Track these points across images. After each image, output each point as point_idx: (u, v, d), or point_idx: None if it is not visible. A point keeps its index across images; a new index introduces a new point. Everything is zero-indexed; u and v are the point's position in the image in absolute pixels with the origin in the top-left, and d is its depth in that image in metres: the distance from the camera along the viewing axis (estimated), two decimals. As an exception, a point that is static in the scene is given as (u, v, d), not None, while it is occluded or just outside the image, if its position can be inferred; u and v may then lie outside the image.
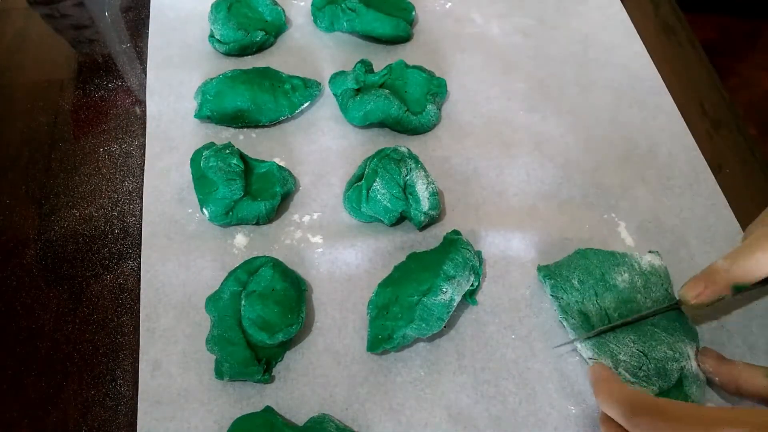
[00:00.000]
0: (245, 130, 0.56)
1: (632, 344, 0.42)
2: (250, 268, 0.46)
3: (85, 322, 0.47)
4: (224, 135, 0.56)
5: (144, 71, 0.61)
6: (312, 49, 0.62)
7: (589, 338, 0.43)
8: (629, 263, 0.46)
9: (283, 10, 0.63)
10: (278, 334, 0.42)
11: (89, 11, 0.68)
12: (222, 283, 0.45)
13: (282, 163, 0.54)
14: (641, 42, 0.63)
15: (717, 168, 0.54)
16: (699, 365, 0.42)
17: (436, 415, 0.42)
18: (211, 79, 0.56)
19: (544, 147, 0.55)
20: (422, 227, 0.50)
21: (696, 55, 0.63)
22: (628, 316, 0.44)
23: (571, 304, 0.45)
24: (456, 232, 0.48)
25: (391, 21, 0.60)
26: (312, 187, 0.53)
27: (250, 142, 0.55)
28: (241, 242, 0.50)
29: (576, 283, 0.46)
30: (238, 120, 0.55)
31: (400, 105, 0.54)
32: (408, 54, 0.62)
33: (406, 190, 0.48)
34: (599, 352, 0.43)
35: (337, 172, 0.54)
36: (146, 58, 0.61)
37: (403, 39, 0.62)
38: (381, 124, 0.55)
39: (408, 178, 0.49)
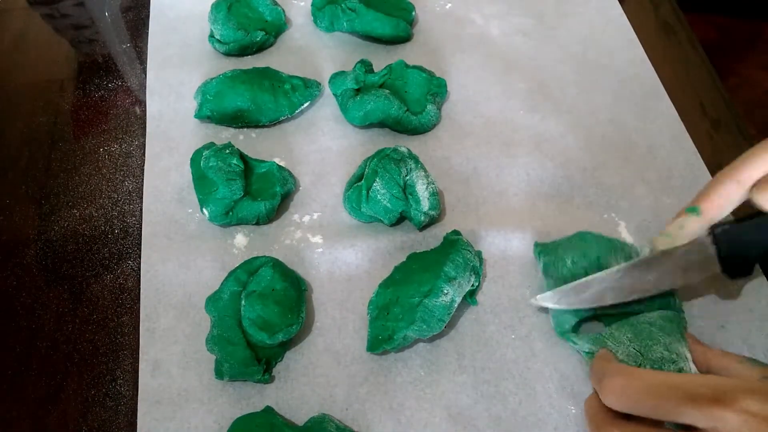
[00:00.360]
0: (245, 130, 0.56)
1: (629, 343, 0.42)
2: (250, 268, 0.46)
3: (85, 322, 0.47)
4: (224, 135, 0.56)
5: (144, 71, 0.61)
6: (312, 49, 0.62)
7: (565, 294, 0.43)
8: (627, 252, 0.46)
9: (283, 10, 0.63)
10: (278, 334, 0.42)
11: (89, 11, 0.68)
12: (222, 283, 0.45)
13: (282, 163, 0.54)
14: (641, 42, 0.63)
15: (717, 168, 0.54)
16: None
17: (436, 415, 0.42)
18: (211, 79, 0.56)
19: (544, 147, 0.55)
20: (422, 227, 0.50)
21: (696, 55, 0.63)
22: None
23: (559, 283, 0.45)
24: (456, 233, 0.48)
25: (391, 21, 0.60)
26: (312, 187, 0.53)
27: (250, 142, 0.55)
28: (241, 242, 0.50)
29: (569, 263, 0.45)
30: (238, 120, 0.55)
31: (400, 105, 0.54)
32: (408, 54, 0.62)
33: (406, 190, 0.48)
34: (596, 348, 0.42)
35: (337, 172, 0.54)
36: (146, 58, 0.61)
37: (403, 39, 0.62)
38: (381, 124, 0.55)
39: (408, 178, 0.49)
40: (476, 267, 0.46)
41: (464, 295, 0.45)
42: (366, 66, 0.56)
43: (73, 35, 0.66)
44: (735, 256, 0.40)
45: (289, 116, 0.56)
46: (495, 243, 0.49)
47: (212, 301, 0.45)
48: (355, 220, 0.51)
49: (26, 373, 0.45)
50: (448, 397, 0.43)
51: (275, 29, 0.62)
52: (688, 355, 0.42)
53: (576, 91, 0.59)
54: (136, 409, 0.42)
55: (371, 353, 0.44)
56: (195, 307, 0.46)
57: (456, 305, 0.44)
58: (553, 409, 0.42)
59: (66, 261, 0.50)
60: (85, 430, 0.42)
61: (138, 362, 0.44)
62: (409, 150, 0.50)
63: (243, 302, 0.44)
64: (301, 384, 0.43)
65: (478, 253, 0.48)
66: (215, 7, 0.60)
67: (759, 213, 0.39)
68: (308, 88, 0.57)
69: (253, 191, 0.50)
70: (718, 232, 0.40)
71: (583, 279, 0.44)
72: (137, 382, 0.43)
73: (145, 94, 0.59)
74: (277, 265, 0.46)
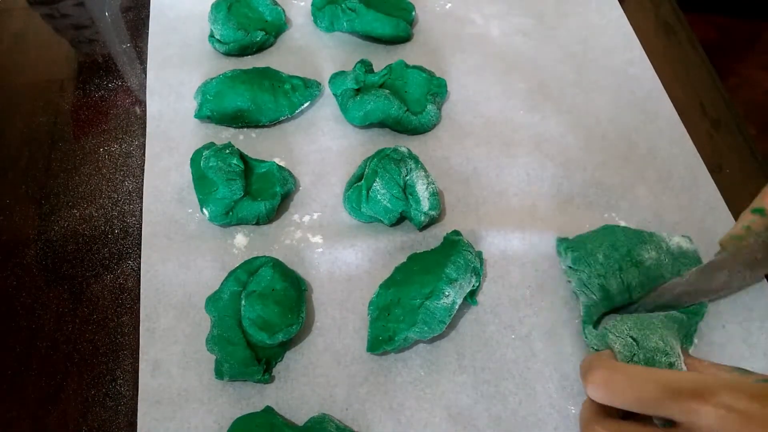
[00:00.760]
0: (245, 130, 0.56)
1: (627, 331, 0.41)
2: (250, 268, 0.46)
3: (85, 322, 0.47)
4: (224, 135, 0.56)
5: (144, 71, 0.61)
6: (312, 49, 0.62)
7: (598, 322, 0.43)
8: (657, 242, 0.46)
9: (283, 10, 0.63)
10: (278, 334, 0.42)
11: (89, 11, 0.68)
12: (222, 283, 0.45)
13: (282, 163, 0.54)
14: (641, 43, 0.63)
15: (717, 168, 0.54)
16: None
17: (436, 415, 0.42)
18: (211, 79, 0.56)
19: (544, 147, 0.55)
20: (422, 227, 0.50)
21: (696, 55, 0.63)
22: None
23: (593, 277, 0.44)
24: (456, 233, 0.48)
25: (391, 21, 0.60)
26: (312, 187, 0.53)
27: (250, 142, 0.55)
28: (241, 242, 0.50)
29: (601, 257, 0.45)
30: (238, 120, 0.55)
31: (400, 105, 0.54)
32: (408, 54, 0.62)
33: (406, 191, 0.48)
34: (600, 344, 0.42)
35: (337, 172, 0.54)
36: (146, 58, 0.61)
37: (403, 39, 0.62)
38: (381, 124, 0.55)
39: (408, 178, 0.49)
40: (477, 268, 0.46)
41: (464, 296, 0.45)
42: (366, 66, 0.56)
43: (73, 35, 0.66)
44: None
45: (289, 116, 0.56)
46: (495, 243, 0.49)
47: (212, 301, 0.45)
48: (355, 220, 0.51)
49: (26, 373, 0.45)
50: (448, 397, 0.43)
51: (275, 29, 0.62)
52: (681, 354, 0.42)
53: (576, 91, 0.59)
54: (136, 409, 0.42)
55: (371, 353, 0.44)
56: (195, 307, 0.46)
57: (457, 307, 0.44)
58: (553, 409, 0.42)
59: (66, 261, 0.50)
60: (85, 430, 0.42)
61: (138, 362, 0.44)
62: (409, 150, 0.50)
63: (243, 302, 0.44)
64: (301, 384, 0.43)
65: (479, 254, 0.48)
66: (215, 7, 0.60)
67: None
68: (308, 88, 0.57)
69: (253, 191, 0.50)
70: None
71: (659, 287, 0.44)
72: (137, 382, 0.43)
73: (145, 94, 0.59)
74: (277, 265, 0.46)
